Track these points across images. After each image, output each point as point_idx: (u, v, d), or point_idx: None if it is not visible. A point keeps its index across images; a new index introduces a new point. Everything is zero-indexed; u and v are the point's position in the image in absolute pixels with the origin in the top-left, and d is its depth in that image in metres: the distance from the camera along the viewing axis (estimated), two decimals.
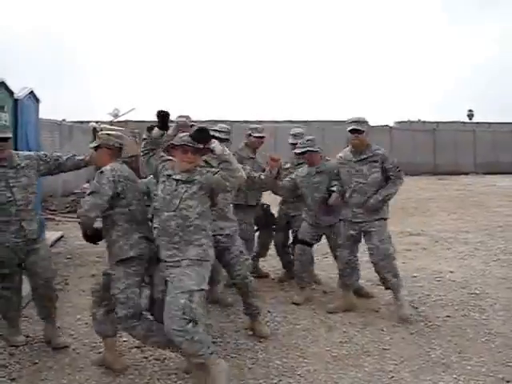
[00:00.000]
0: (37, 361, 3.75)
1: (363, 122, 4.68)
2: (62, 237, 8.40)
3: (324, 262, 6.31)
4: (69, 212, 11.50)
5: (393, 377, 3.55)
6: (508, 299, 5.08)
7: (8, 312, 4.02)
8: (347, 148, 4.82)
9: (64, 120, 12.36)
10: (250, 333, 4.29)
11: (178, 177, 3.41)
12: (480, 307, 4.87)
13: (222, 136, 4.61)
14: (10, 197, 3.76)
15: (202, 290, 3.29)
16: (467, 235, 8.50)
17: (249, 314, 4.32)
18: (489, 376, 3.52)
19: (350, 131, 4.64)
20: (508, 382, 3.44)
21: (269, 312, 4.72)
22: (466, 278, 5.86)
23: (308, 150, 4.96)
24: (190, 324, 3.14)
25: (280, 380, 3.52)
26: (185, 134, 3.53)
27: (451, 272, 6.13)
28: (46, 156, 4.04)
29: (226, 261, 4.22)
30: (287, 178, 5.10)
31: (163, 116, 3.45)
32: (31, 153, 4.18)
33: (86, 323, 4.39)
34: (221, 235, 4.14)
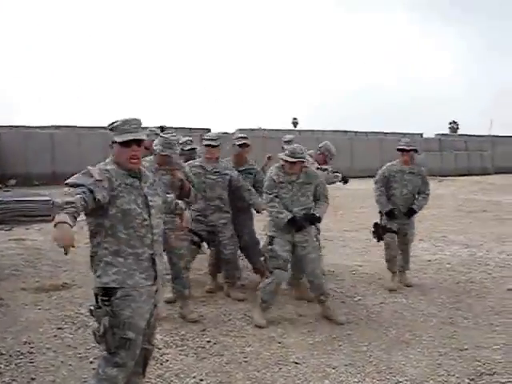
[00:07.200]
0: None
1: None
2: None
3: None
4: None
5: (370, 355, 4.06)
6: (420, 286, 5.97)
7: None
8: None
9: None
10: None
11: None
12: (403, 294, 5.66)
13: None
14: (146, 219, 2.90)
15: None
16: (352, 234, 9.55)
17: None
18: (444, 347, 4.22)
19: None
20: (461, 350, 4.18)
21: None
22: (375, 270, 6.64)
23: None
24: None
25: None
26: None
27: (359, 266, 6.92)
28: None
29: None
30: None
31: None
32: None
33: None
34: None
